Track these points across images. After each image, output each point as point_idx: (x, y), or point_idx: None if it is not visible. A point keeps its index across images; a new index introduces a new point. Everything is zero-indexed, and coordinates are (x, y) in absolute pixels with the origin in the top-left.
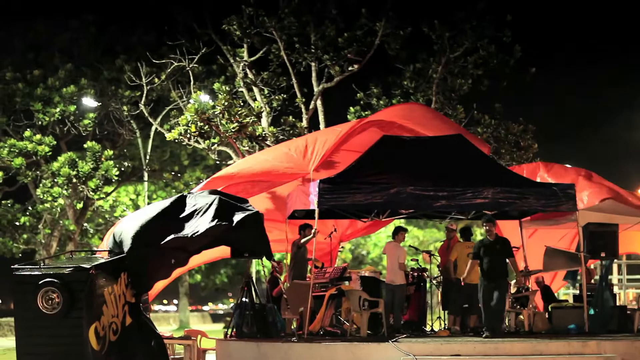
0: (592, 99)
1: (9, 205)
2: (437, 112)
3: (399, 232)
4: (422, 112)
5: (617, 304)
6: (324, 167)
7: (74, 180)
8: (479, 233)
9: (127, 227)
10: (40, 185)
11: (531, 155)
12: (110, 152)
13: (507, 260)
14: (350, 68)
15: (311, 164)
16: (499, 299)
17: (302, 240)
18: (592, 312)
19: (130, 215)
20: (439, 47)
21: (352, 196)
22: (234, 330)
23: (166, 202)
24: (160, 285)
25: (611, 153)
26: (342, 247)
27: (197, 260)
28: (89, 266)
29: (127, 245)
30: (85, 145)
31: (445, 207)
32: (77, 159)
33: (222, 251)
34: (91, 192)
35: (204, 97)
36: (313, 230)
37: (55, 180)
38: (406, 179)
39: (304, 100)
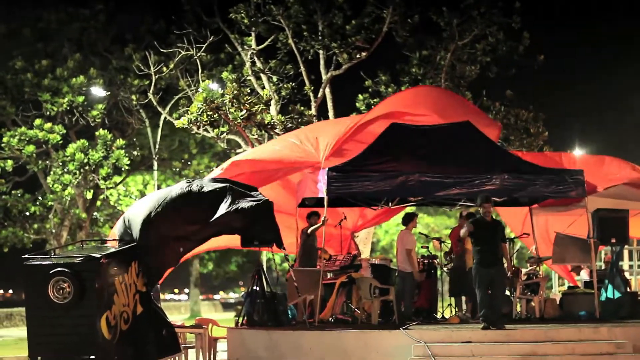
0: (601, 84)
1: (19, 195)
2: (449, 92)
3: (410, 220)
4: (434, 96)
5: (628, 290)
6: (334, 156)
7: (86, 167)
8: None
9: (136, 214)
10: (51, 173)
11: (541, 143)
12: (122, 142)
13: (501, 245)
14: (358, 56)
15: (322, 154)
16: (498, 287)
17: (311, 229)
18: (603, 298)
19: (140, 201)
20: (447, 34)
21: (361, 184)
22: (245, 318)
23: (175, 189)
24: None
25: (624, 139)
26: (357, 236)
27: (206, 246)
28: (99, 255)
29: (136, 233)
30: (97, 134)
31: (454, 194)
32: (88, 147)
33: (231, 240)
34: (101, 181)
35: (213, 86)
36: (322, 218)
37: (66, 168)
38: (415, 166)
39: (312, 88)
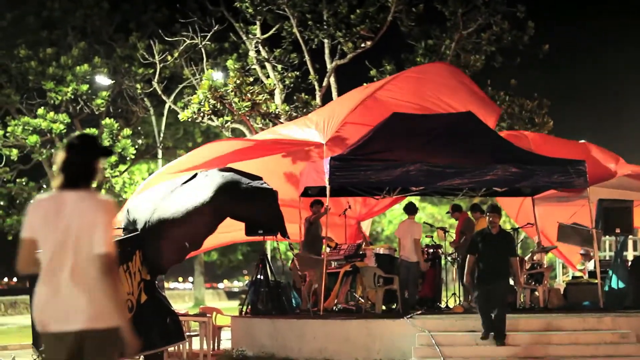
0: (606, 75)
1: (24, 183)
2: (457, 71)
3: (415, 209)
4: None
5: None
6: (335, 143)
7: None
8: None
9: (139, 206)
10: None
11: (546, 133)
12: (129, 131)
13: (510, 259)
14: (363, 45)
15: (324, 134)
16: (500, 304)
17: (314, 217)
18: (607, 288)
19: (144, 192)
20: (452, 23)
21: (363, 173)
22: (249, 307)
23: (180, 181)
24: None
25: (628, 128)
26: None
27: (211, 242)
28: None
29: (140, 224)
30: (103, 122)
31: (456, 184)
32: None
33: (235, 236)
34: (107, 169)
35: (217, 75)
36: (325, 207)
37: None
38: (417, 156)
39: (317, 77)
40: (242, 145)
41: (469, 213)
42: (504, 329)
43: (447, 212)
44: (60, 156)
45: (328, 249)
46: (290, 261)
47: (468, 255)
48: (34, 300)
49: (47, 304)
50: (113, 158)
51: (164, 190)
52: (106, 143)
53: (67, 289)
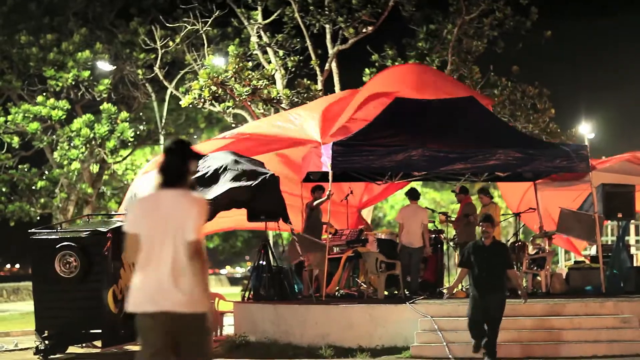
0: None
1: (26, 170)
2: (435, 70)
3: (418, 194)
4: (419, 73)
5: (634, 264)
6: (334, 133)
7: (92, 142)
8: (496, 195)
9: (143, 190)
10: (58, 148)
11: (547, 119)
12: (126, 115)
13: (507, 271)
14: (364, 30)
15: (320, 135)
16: (493, 319)
17: (316, 202)
18: (609, 273)
19: (147, 176)
20: (454, 8)
21: (365, 158)
22: (252, 293)
23: None
24: None
25: (632, 114)
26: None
27: (212, 227)
28: (106, 230)
29: None
30: (101, 108)
31: (458, 169)
32: (94, 122)
33: (237, 222)
34: (108, 154)
35: (219, 60)
36: (327, 192)
37: (72, 143)
38: (419, 141)
39: (318, 62)
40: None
41: (472, 198)
42: (495, 345)
43: (453, 191)
44: (159, 159)
45: (330, 235)
46: (286, 244)
47: (459, 270)
48: (132, 283)
49: (144, 287)
50: (113, 143)
51: None
52: (105, 128)
53: (164, 276)
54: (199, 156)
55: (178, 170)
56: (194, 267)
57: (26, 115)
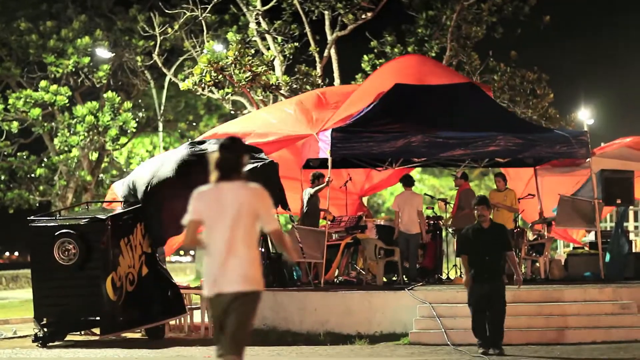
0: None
1: (25, 157)
2: (432, 60)
3: (413, 181)
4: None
5: (633, 250)
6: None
7: (94, 130)
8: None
9: (140, 177)
10: (59, 134)
11: (547, 104)
12: (130, 104)
13: (506, 254)
14: (363, 16)
15: (315, 129)
16: (496, 306)
17: (315, 189)
18: (608, 259)
19: (144, 163)
20: None
21: (365, 145)
22: None
23: (181, 151)
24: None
25: (631, 99)
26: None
27: None
28: (104, 217)
29: (140, 193)
30: (105, 96)
31: (458, 155)
32: (98, 110)
33: None
34: (109, 141)
35: (218, 47)
36: (327, 179)
37: (73, 129)
38: (419, 127)
39: (317, 49)
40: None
41: (470, 184)
42: (502, 333)
43: (453, 175)
44: (214, 155)
45: (329, 223)
46: (285, 231)
47: (460, 256)
48: (204, 269)
49: (213, 274)
50: (114, 132)
51: (161, 161)
52: (107, 117)
53: (229, 262)
54: (250, 150)
55: (233, 164)
56: (282, 249)
57: (27, 100)
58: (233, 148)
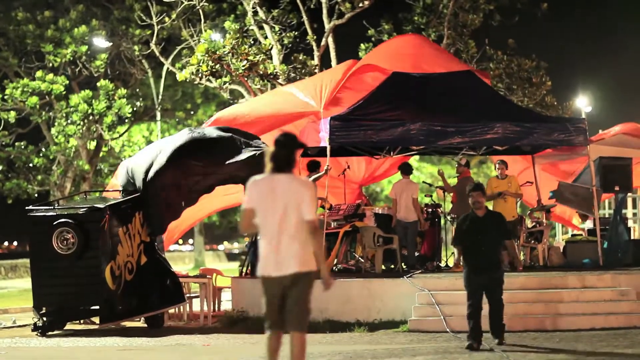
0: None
1: (23, 146)
2: (432, 43)
3: (410, 169)
4: (418, 45)
5: (632, 237)
6: (332, 104)
7: (90, 118)
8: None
9: (139, 164)
10: (56, 124)
11: (544, 92)
12: (124, 91)
13: (505, 242)
14: (360, 5)
15: (321, 103)
16: (494, 297)
17: (312, 178)
18: (606, 245)
19: (142, 151)
20: None
21: (363, 133)
22: (249, 268)
23: (177, 138)
24: (183, 227)
25: (627, 87)
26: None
27: (214, 205)
28: (103, 206)
29: (139, 183)
30: (98, 84)
31: (456, 143)
32: (92, 98)
33: (238, 199)
34: (106, 130)
35: (216, 36)
36: (325, 167)
37: (70, 119)
38: (417, 115)
39: (315, 37)
40: (241, 120)
41: (471, 172)
42: (503, 325)
43: (456, 160)
44: (269, 149)
45: (327, 212)
46: None
47: (455, 248)
48: (260, 254)
49: (268, 256)
50: (110, 119)
51: (159, 147)
52: (102, 104)
53: (283, 245)
54: (303, 145)
55: (287, 158)
56: (312, 240)
57: (25, 90)
58: (288, 143)
